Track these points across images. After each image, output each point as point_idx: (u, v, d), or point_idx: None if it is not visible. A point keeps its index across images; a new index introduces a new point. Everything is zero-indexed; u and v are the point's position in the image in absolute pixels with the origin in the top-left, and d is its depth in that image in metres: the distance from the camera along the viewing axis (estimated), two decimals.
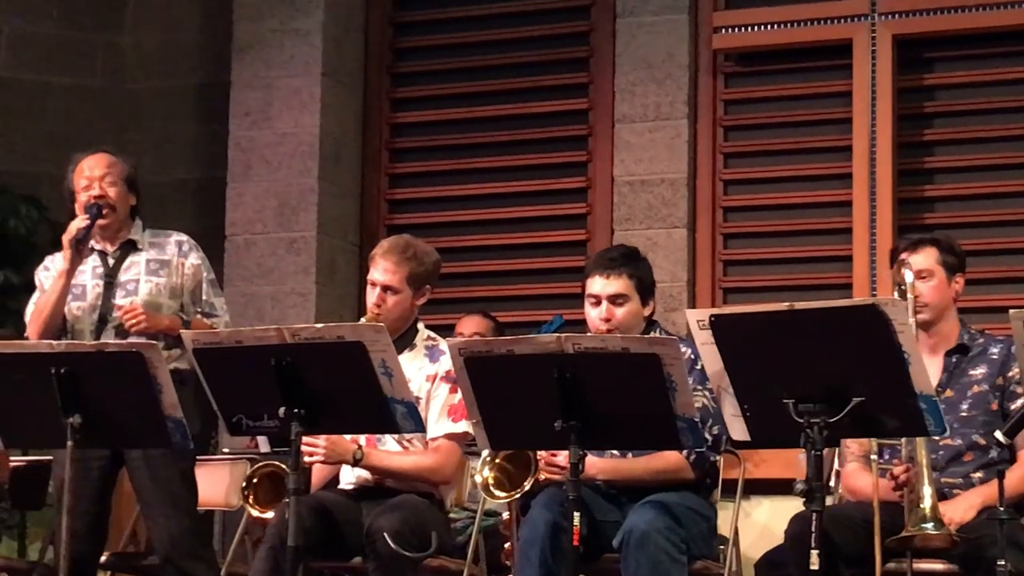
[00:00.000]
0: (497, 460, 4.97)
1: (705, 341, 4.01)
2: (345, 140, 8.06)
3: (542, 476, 4.84)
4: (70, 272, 5.30)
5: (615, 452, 4.95)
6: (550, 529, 4.73)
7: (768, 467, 6.45)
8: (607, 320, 4.97)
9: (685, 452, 4.83)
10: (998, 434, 4.37)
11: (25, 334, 5.43)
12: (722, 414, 4.11)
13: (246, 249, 7.92)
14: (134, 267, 5.43)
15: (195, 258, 5.51)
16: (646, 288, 5.05)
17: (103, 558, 5.69)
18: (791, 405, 3.89)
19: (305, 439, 4.53)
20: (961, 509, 4.68)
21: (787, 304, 3.96)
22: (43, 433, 4.61)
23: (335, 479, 5.28)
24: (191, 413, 4.80)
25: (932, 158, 7.34)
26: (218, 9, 8.39)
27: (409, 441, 5.09)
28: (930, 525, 4.55)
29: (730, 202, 7.54)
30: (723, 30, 7.49)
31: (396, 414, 4.35)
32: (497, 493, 4.98)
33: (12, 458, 6.53)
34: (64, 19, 8.78)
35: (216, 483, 6.25)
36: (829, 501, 4.99)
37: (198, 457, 5.42)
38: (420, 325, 5.23)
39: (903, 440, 4.68)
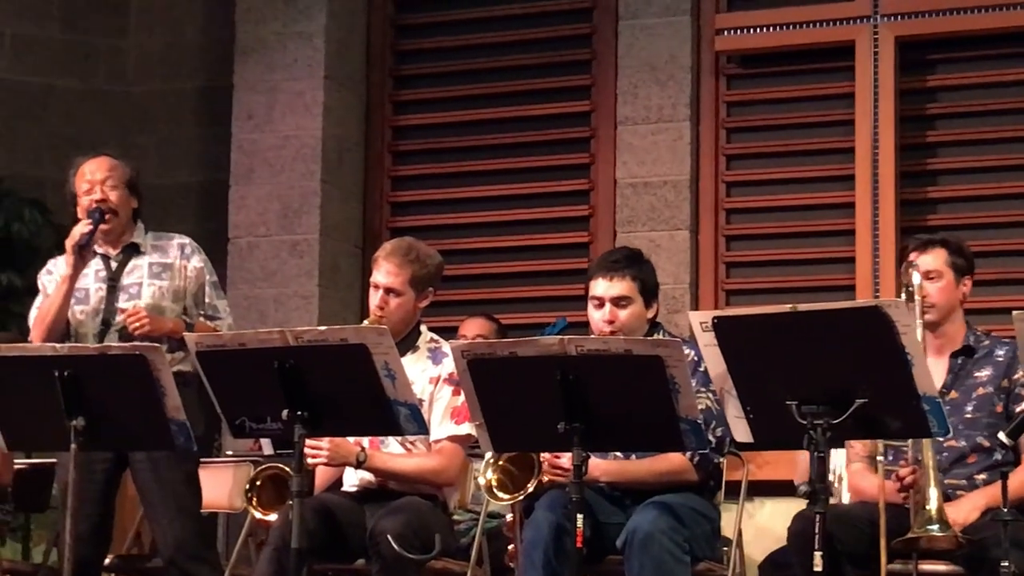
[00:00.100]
0: (500, 462, 4.97)
1: (708, 343, 4.01)
2: (348, 143, 8.07)
3: (545, 478, 4.84)
4: (73, 277, 5.30)
5: (618, 454, 4.95)
6: (554, 531, 4.73)
7: (772, 469, 6.45)
8: (610, 322, 4.96)
9: (689, 454, 4.83)
10: (1002, 435, 4.37)
11: (28, 338, 5.43)
12: (725, 416, 4.11)
13: (249, 252, 7.93)
14: (137, 271, 5.43)
15: (198, 261, 5.51)
16: (649, 290, 5.05)
17: (107, 560, 5.70)
18: (794, 407, 3.89)
19: (308, 441, 4.53)
20: (965, 511, 4.68)
21: (790, 306, 3.96)
22: (47, 436, 4.62)
23: (338, 481, 5.28)
24: (194, 415, 4.80)
25: (934, 160, 7.34)
26: (221, 12, 8.40)
27: (412, 443, 5.09)
28: (936, 527, 4.55)
29: (733, 204, 7.55)
30: (725, 32, 7.50)
31: (399, 416, 4.35)
32: (500, 495, 4.98)
33: (16, 461, 6.53)
34: (67, 22, 8.79)
35: (219, 485, 6.25)
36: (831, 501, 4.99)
37: (201, 460, 5.43)
38: (423, 327, 5.23)
39: (909, 442, 4.67)
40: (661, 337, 4.91)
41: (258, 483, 5.27)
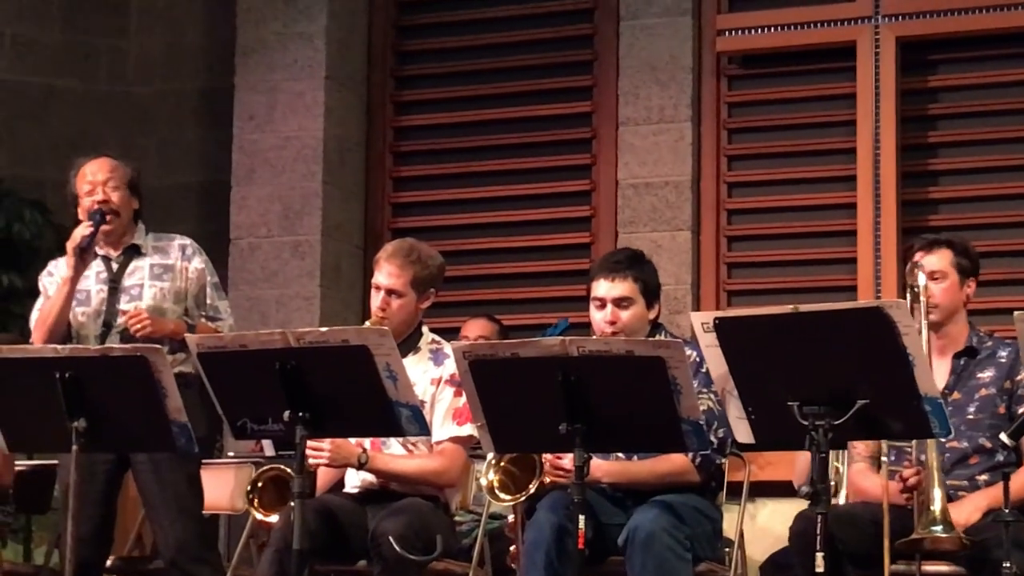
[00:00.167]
0: (502, 463, 4.97)
1: (709, 344, 4.00)
2: (349, 143, 8.07)
3: (547, 479, 4.83)
4: (74, 279, 5.30)
5: (620, 455, 4.95)
6: (555, 532, 4.73)
7: (773, 470, 6.44)
8: (612, 323, 4.96)
9: (691, 455, 4.82)
10: (1003, 436, 4.37)
11: (30, 340, 5.42)
12: (727, 417, 4.11)
13: (250, 253, 7.93)
14: (138, 272, 5.43)
15: (199, 262, 5.51)
16: (651, 291, 5.04)
17: (108, 562, 5.69)
18: (796, 407, 3.89)
19: (310, 443, 4.53)
20: (966, 511, 4.68)
21: (791, 307, 3.96)
22: (48, 437, 4.62)
23: (340, 482, 5.28)
24: (196, 417, 4.80)
25: (936, 160, 7.34)
26: (222, 13, 8.40)
27: (414, 444, 5.09)
28: (940, 528, 4.55)
29: (734, 204, 7.54)
30: (727, 33, 7.49)
31: (401, 417, 4.35)
32: (502, 496, 4.97)
33: (17, 462, 6.53)
34: (68, 23, 8.79)
35: (221, 487, 6.25)
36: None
37: (203, 461, 5.42)
38: (424, 328, 5.23)
39: (914, 442, 4.67)
40: (663, 338, 4.91)
41: (260, 485, 5.27)
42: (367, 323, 5.11)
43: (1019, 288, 6.92)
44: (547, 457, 4.79)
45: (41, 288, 5.50)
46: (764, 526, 6.76)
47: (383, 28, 8.22)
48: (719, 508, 5.06)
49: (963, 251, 4.99)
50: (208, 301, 5.50)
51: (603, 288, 5.00)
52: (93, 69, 8.83)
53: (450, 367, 4.97)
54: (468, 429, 4.97)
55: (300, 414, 4.28)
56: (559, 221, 7.82)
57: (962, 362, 4.94)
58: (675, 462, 4.89)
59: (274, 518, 5.11)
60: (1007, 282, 6.89)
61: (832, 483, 5.07)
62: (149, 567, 6.23)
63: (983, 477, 4.81)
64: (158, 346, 4.65)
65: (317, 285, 7.82)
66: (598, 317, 5.01)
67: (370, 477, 5.09)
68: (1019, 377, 4.85)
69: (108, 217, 5.36)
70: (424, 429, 4.50)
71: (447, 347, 5.06)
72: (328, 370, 4.29)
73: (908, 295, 4.86)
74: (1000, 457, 4.80)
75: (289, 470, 4.69)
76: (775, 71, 7.54)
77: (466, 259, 7.74)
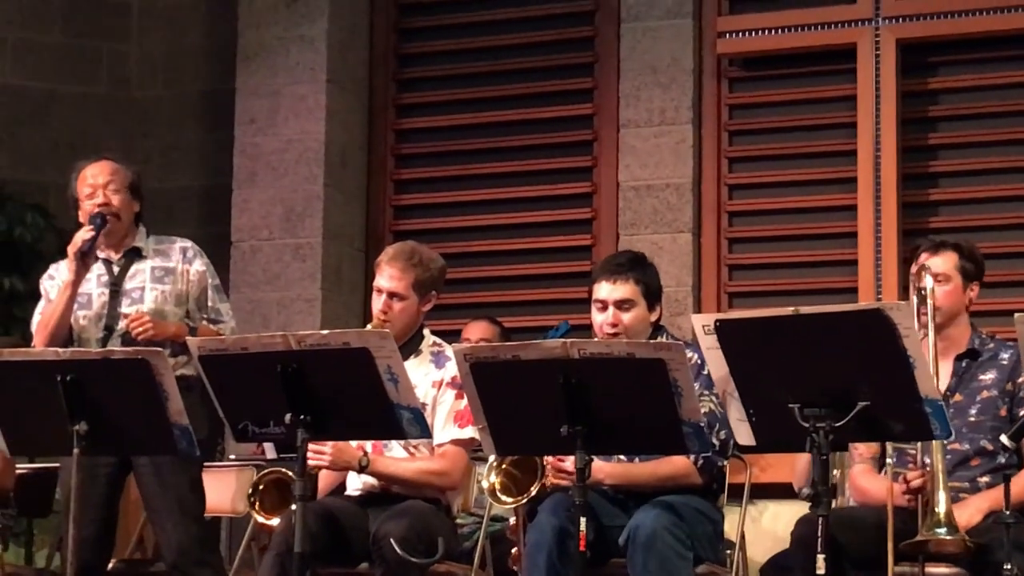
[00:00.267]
0: (504, 465, 4.97)
1: (710, 346, 4.01)
2: (350, 146, 8.07)
3: (549, 481, 4.83)
4: (76, 283, 5.30)
5: (622, 457, 4.95)
6: (557, 534, 4.73)
7: (775, 471, 6.45)
8: (613, 325, 4.97)
9: (692, 457, 4.82)
10: (1003, 438, 4.37)
11: (31, 344, 5.43)
12: (728, 419, 4.11)
13: (252, 256, 7.93)
14: (139, 275, 5.43)
15: (200, 264, 5.51)
16: (653, 293, 5.05)
17: (110, 565, 5.69)
18: (796, 409, 3.89)
19: (311, 445, 4.53)
20: (968, 513, 4.67)
21: (792, 308, 3.96)
22: (49, 440, 4.62)
23: (342, 485, 5.28)
24: (198, 419, 4.81)
25: (936, 162, 7.35)
26: (223, 16, 8.41)
27: (415, 447, 5.10)
28: (943, 530, 4.55)
29: (735, 206, 7.55)
30: (727, 35, 7.50)
31: (402, 420, 4.35)
32: (504, 498, 4.97)
33: (19, 465, 6.53)
34: (69, 27, 8.80)
35: (223, 489, 6.25)
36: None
37: (204, 464, 5.42)
38: (426, 331, 5.23)
39: (919, 445, 4.67)
40: (664, 340, 4.91)
41: (261, 488, 5.27)
42: (368, 326, 5.11)
43: (1020, 290, 6.93)
44: (549, 459, 4.79)
45: (42, 291, 5.50)
46: (765, 528, 6.76)
47: (384, 31, 8.23)
48: (720, 510, 5.06)
49: (969, 255, 4.99)
50: (209, 304, 5.50)
51: (605, 290, 5.00)
52: (94, 72, 8.83)
53: (451, 369, 4.97)
54: (469, 431, 4.98)
55: (301, 417, 4.28)
56: (560, 223, 7.83)
57: (964, 364, 4.94)
58: (677, 464, 4.89)
59: (275, 521, 5.11)
60: (1008, 284, 6.90)
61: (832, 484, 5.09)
62: (151, 570, 6.22)
63: (984, 479, 4.80)
64: (159, 349, 4.66)
65: (318, 288, 7.83)
66: (599, 319, 5.01)
67: (372, 480, 5.10)
68: (1020, 379, 4.85)
69: (108, 219, 5.36)
70: (425, 431, 4.50)
71: (448, 349, 5.07)
72: (329, 373, 4.29)
73: (915, 297, 4.85)
74: (1001, 459, 4.80)
75: (290, 473, 4.70)
76: (776, 73, 7.54)
77: (467, 261, 7.75)
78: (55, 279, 5.45)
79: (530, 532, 4.85)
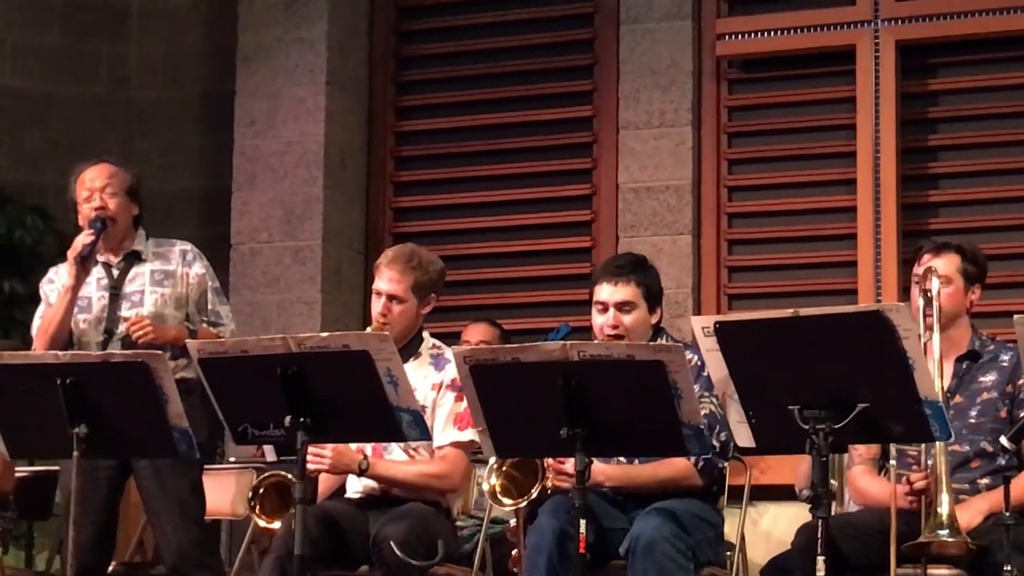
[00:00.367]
0: (504, 467, 4.96)
1: (710, 348, 4.01)
2: (350, 149, 8.07)
3: (550, 483, 4.83)
4: (76, 288, 5.29)
5: (622, 459, 4.95)
6: (557, 537, 4.73)
7: (775, 473, 6.45)
8: (614, 327, 4.97)
9: (693, 459, 4.83)
10: (1003, 439, 4.37)
11: (32, 348, 5.42)
12: (728, 420, 4.11)
13: (251, 258, 7.93)
14: (139, 278, 5.43)
15: (199, 267, 5.51)
16: (653, 296, 5.05)
17: (110, 568, 5.69)
18: (796, 411, 3.89)
19: (311, 448, 4.53)
20: (968, 515, 4.68)
21: (792, 310, 3.96)
22: (49, 443, 4.62)
23: (342, 488, 5.28)
24: (198, 422, 4.81)
25: (936, 163, 7.35)
26: (222, 19, 8.41)
27: (415, 450, 5.10)
28: (946, 532, 4.55)
29: (735, 208, 7.55)
30: (727, 37, 7.50)
31: (402, 422, 4.35)
32: (504, 500, 4.97)
33: (19, 468, 6.53)
34: (69, 29, 8.80)
35: (222, 492, 6.25)
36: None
37: (204, 466, 5.42)
38: (425, 334, 5.24)
39: (922, 446, 4.67)
40: (664, 342, 4.91)
41: (261, 491, 5.27)
42: (368, 329, 5.11)
43: (1020, 291, 6.92)
44: (549, 462, 4.79)
45: (42, 295, 5.50)
46: (766, 530, 6.76)
47: (384, 33, 8.23)
48: (720, 512, 5.06)
49: (971, 258, 5.00)
50: (209, 306, 5.50)
51: (606, 292, 5.00)
52: (94, 74, 8.84)
53: (451, 372, 4.97)
54: (469, 434, 4.98)
55: (301, 419, 4.28)
56: (560, 225, 7.83)
57: (964, 366, 4.95)
58: (677, 466, 4.90)
59: (276, 524, 5.11)
60: (1007, 285, 6.89)
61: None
62: (150, 573, 6.23)
63: (984, 481, 4.81)
64: (159, 352, 4.65)
65: (318, 290, 7.83)
66: (600, 321, 5.02)
67: (372, 483, 5.10)
68: (1021, 381, 4.85)
69: (106, 222, 5.35)
70: (425, 434, 4.50)
71: (448, 352, 5.07)
72: (329, 375, 4.29)
73: (921, 299, 4.85)
74: (1001, 461, 4.80)
75: (290, 476, 4.70)
76: (775, 75, 7.54)
77: (467, 263, 7.75)
78: (55, 283, 5.45)
79: (530, 534, 4.85)
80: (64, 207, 5.63)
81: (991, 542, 4.50)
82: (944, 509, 4.57)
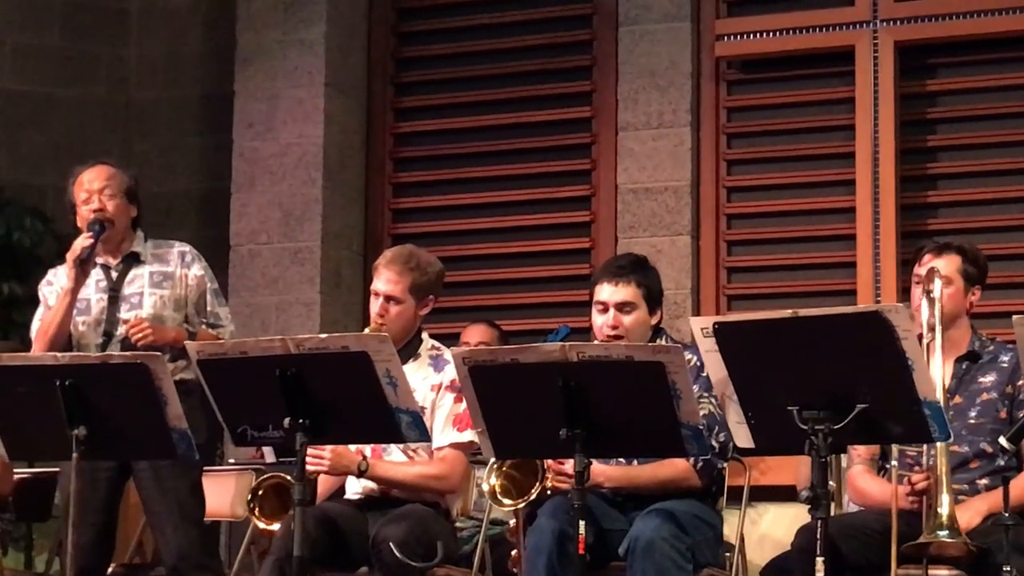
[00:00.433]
0: (504, 467, 4.96)
1: (709, 348, 4.01)
2: (349, 150, 8.07)
3: (549, 484, 4.83)
4: (74, 291, 5.29)
5: (621, 459, 4.95)
6: (556, 537, 4.73)
7: (774, 474, 6.45)
8: (614, 328, 4.97)
9: (692, 460, 4.83)
10: (1002, 440, 4.37)
11: (31, 351, 5.42)
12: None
13: (251, 259, 7.93)
14: (138, 280, 5.43)
15: (198, 269, 5.51)
16: (654, 297, 5.05)
17: (110, 569, 5.69)
18: (795, 412, 3.89)
19: (310, 449, 4.53)
20: (967, 516, 4.68)
21: (791, 311, 3.96)
22: (48, 445, 4.62)
23: (341, 489, 5.28)
24: (197, 424, 4.81)
25: (935, 164, 7.35)
26: (222, 20, 8.41)
27: (414, 451, 5.10)
28: (945, 532, 4.55)
29: (734, 209, 7.55)
30: (725, 38, 7.50)
31: (401, 423, 4.35)
32: (504, 500, 4.97)
33: (18, 470, 6.53)
34: (68, 31, 8.80)
35: (222, 494, 6.25)
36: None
37: (204, 468, 5.42)
38: (424, 335, 5.24)
39: (924, 447, 4.67)
40: (664, 343, 4.91)
41: (260, 493, 5.27)
42: (367, 330, 5.11)
43: (1019, 292, 6.93)
44: (549, 462, 4.79)
45: (41, 297, 5.50)
46: (765, 531, 6.76)
47: (383, 35, 8.23)
48: (720, 513, 5.06)
49: (972, 259, 5.00)
50: (208, 308, 5.50)
51: (606, 292, 5.01)
52: (93, 75, 8.84)
53: (450, 373, 4.97)
54: (468, 435, 4.98)
55: (300, 421, 4.28)
56: (559, 226, 7.83)
57: (964, 366, 4.95)
58: (677, 467, 4.90)
59: (275, 526, 5.11)
60: (1007, 286, 6.89)
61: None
62: (150, 574, 6.22)
63: (983, 481, 4.81)
64: (158, 353, 4.65)
65: (317, 291, 7.82)
66: (600, 321, 5.02)
67: (371, 484, 5.10)
68: (1020, 382, 4.85)
69: (104, 224, 5.35)
70: (424, 435, 4.50)
71: (447, 353, 5.07)
72: (328, 377, 4.29)
73: (925, 299, 4.85)
74: (1001, 462, 4.80)
75: (289, 478, 4.70)
76: (774, 76, 7.54)
77: (466, 264, 7.75)
78: (53, 285, 5.45)
79: (529, 535, 4.85)
80: (63, 209, 5.63)
81: (990, 543, 4.50)
82: (944, 510, 4.57)
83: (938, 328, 4.79)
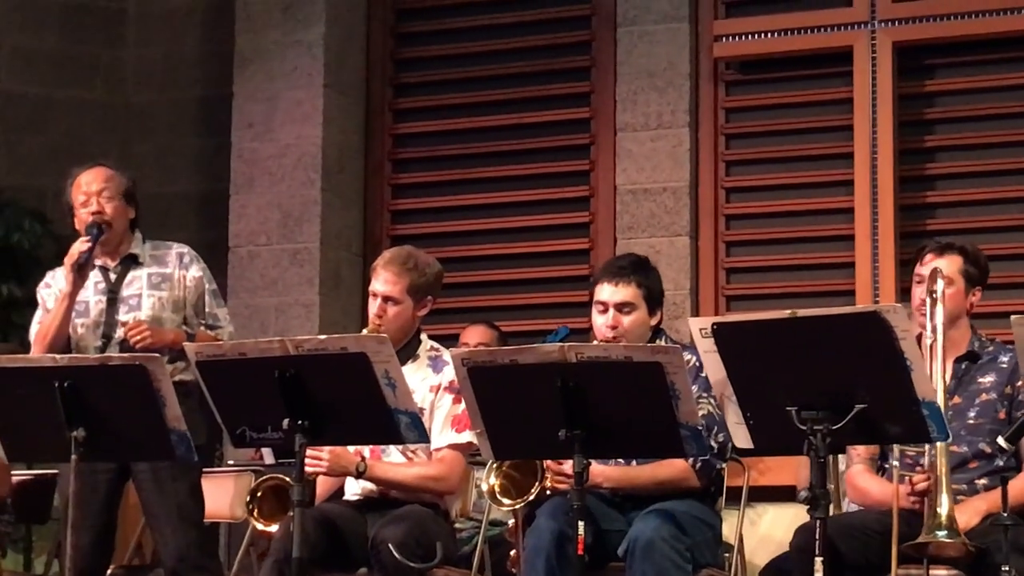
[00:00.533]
0: (503, 467, 4.97)
1: (708, 349, 4.01)
2: (348, 151, 8.07)
3: (549, 484, 4.83)
4: (73, 294, 5.28)
5: (620, 460, 4.95)
6: (555, 538, 4.74)
7: (773, 475, 6.45)
8: (613, 328, 4.97)
9: (691, 460, 4.83)
10: (1000, 440, 4.37)
11: (30, 353, 5.42)
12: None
13: (250, 261, 7.93)
14: (136, 282, 5.42)
15: (196, 270, 5.50)
16: (654, 298, 5.06)
17: (109, 571, 5.69)
18: (794, 412, 3.89)
19: (309, 450, 4.53)
20: (966, 516, 4.68)
21: (789, 311, 3.96)
22: (47, 447, 4.62)
23: (340, 490, 5.28)
24: (196, 425, 4.81)
25: (933, 164, 7.35)
26: (220, 22, 8.41)
27: (413, 452, 5.10)
28: (944, 532, 4.55)
29: (732, 210, 7.55)
30: (724, 38, 7.50)
31: (400, 424, 4.35)
32: (503, 500, 4.97)
33: (17, 472, 6.53)
34: (66, 33, 8.80)
35: (221, 495, 6.25)
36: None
37: (203, 469, 5.42)
38: (423, 336, 5.23)
39: (925, 447, 4.67)
40: (663, 343, 4.91)
41: (259, 494, 5.27)
42: (365, 331, 5.11)
43: (1018, 292, 6.93)
44: (548, 463, 4.79)
45: (39, 300, 5.49)
46: (764, 531, 6.76)
47: (381, 36, 8.23)
48: (719, 513, 5.06)
49: (974, 260, 5.00)
50: (207, 309, 5.50)
51: (606, 292, 5.01)
52: (91, 77, 8.84)
53: (449, 374, 4.97)
54: (467, 436, 4.98)
55: (299, 422, 4.28)
56: (558, 227, 7.83)
57: (963, 367, 4.95)
58: (676, 467, 4.90)
59: (274, 528, 5.11)
60: (1006, 286, 6.89)
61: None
62: None
63: (982, 481, 4.81)
64: (157, 355, 4.65)
65: (316, 293, 7.82)
66: (599, 321, 5.02)
67: (370, 485, 5.10)
68: (1020, 383, 4.85)
69: (102, 226, 5.35)
70: (423, 436, 4.50)
71: (446, 354, 5.07)
72: (327, 378, 4.29)
73: (928, 300, 4.85)
74: (999, 462, 4.80)
75: (288, 479, 4.70)
76: (772, 77, 7.54)
77: (465, 265, 7.75)
78: (52, 287, 5.45)
79: (528, 536, 4.85)
80: (62, 210, 5.63)
81: (989, 543, 4.50)
82: (943, 510, 4.57)
83: (939, 328, 4.79)
